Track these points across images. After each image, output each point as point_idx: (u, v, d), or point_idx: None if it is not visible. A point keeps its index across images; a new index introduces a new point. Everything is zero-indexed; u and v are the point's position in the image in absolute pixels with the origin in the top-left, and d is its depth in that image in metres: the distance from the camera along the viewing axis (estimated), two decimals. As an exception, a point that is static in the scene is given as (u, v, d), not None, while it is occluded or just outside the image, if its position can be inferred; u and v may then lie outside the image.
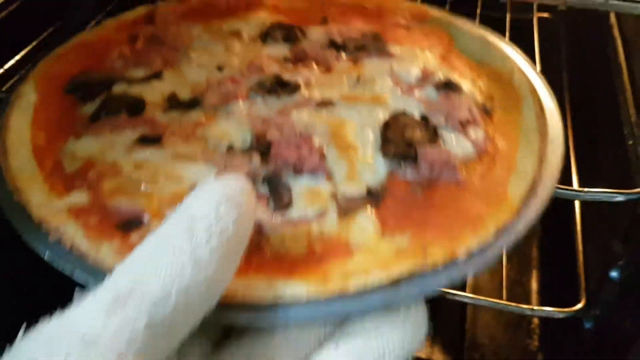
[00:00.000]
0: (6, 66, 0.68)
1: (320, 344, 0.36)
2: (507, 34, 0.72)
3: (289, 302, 0.36)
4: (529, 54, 0.58)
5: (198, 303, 0.30)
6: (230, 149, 0.46)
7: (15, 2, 0.70)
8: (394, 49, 0.58)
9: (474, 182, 0.44)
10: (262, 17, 0.62)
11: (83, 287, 0.32)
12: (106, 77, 0.51)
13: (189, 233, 0.30)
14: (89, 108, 0.49)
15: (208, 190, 0.33)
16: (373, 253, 0.39)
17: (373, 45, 0.58)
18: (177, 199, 0.40)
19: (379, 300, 0.36)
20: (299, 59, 0.57)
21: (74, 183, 0.42)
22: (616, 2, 0.63)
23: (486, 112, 0.51)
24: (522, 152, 0.47)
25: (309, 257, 0.39)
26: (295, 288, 0.36)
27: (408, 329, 0.36)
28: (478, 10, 0.78)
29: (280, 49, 0.58)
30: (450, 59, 0.57)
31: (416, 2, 0.66)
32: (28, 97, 0.49)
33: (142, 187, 0.42)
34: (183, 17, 0.61)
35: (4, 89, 0.61)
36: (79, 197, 0.41)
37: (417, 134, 0.47)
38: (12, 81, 0.64)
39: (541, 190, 0.43)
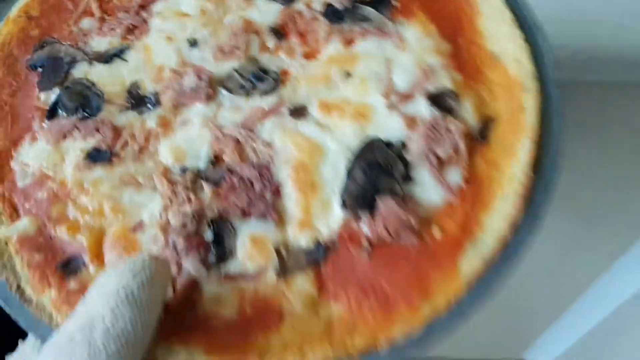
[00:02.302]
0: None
1: None
2: None
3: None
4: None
5: None
6: (183, 172, 0.44)
7: None
8: (402, 27, 0.49)
9: (428, 247, 0.42)
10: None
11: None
12: (68, 53, 0.47)
13: (87, 342, 0.32)
14: (47, 97, 0.46)
15: (106, 286, 0.34)
16: (302, 324, 0.40)
17: (377, 19, 0.49)
18: (119, 240, 0.41)
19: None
20: (285, 31, 0.49)
21: (24, 203, 0.43)
22: None
23: (479, 139, 0.46)
24: (493, 213, 0.43)
25: (238, 324, 0.40)
26: (212, 364, 0.38)
27: None
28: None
29: (268, 13, 0.50)
30: (463, 51, 0.49)
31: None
32: (-13, 77, 0.46)
33: (86, 220, 0.42)
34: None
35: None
36: (27, 225, 0.42)
37: (385, 180, 0.43)
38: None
39: (493, 278, 0.41)
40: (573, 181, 0.62)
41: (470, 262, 0.41)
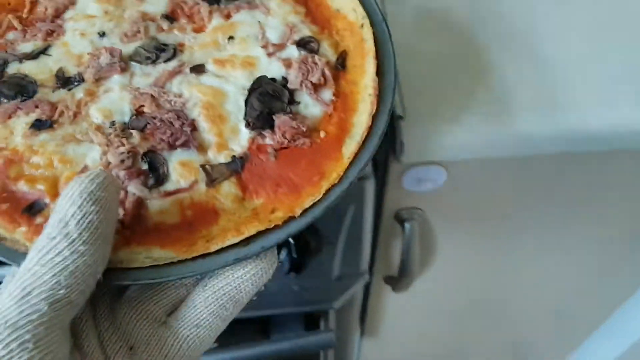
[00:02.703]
0: None
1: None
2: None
3: (163, 263, 0.48)
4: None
5: (84, 280, 0.42)
6: (112, 125, 0.54)
7: None
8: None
9: (318, 145, 0.55)
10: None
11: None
12: (1, 56, 0.57)
13: (65, 235, 0.41)
14: (-14, 91, 0.55)
15: (73, 193, 0.42)
16: (234, 215, 0.51)
17: (246, -4, 0.64)
18: (69, 181, 0.50)
19: (233, 256, 0.49)
20: (176, 16, 0.62)
21: (-16, 170, 0.51)
22: None
23: (339, 68, 0.60)
24: (358, 113, 0.57)
25: (182, 224, 0.50)
26: (168, 254, 0.48)
27: (259, 268, 0.49)
28: None
29: (159, 5, 0.63)
30: (314, 11, 0.64)
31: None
32: None
33: (40, 172, 0.51)
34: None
35: None
36: (-10, 185, 0.50)
37: (277, 104, 0.56)
38: None
39: (365, 154, 0.54)
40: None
41: (349, 148, 0.55)
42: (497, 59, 0.81)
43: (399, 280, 0.96)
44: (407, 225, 0.88)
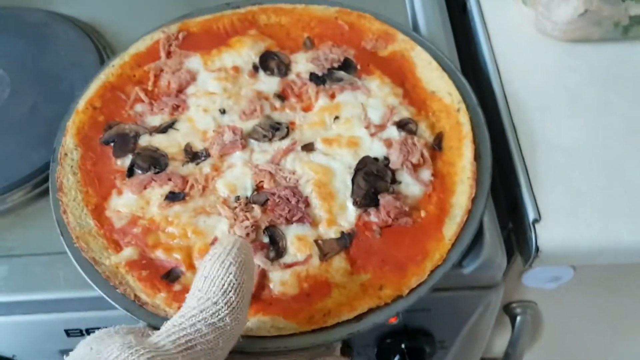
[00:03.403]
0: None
1: None
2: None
3: (286, 334, 0.53)
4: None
5: (231, 343, 0.47)
6: (237, 199, 0.60)
7: None
8: (366, 81, 0.70)
9: (419, 224, 0.60)
10: (252, 40, 0.72)
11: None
12: (132, 129, 0.63)
13: (227, 302, 0.46)
14: (123, 162, 0.62)
15: (225, 259, 0.47)
16: (345, 289, 0.56)
17: (348, 78, 0.70)
18: (203, 252, 0.56)
19: (347, 331, 0.54)
20: (286, 95, 0.68)
21: (124, 238, 0.57)
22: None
23: (435, 149, 0.65)
24: (457, 194, 0.62)
25: (300, 296, 0.56)
26: (291, 325, 0.53)
27: None
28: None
29: (271, 84, 0.69)
30: (410, 92, 0.70)
31: (385, 24, 0.75)
32: (72, 155, 0.61)
33: (176, 242, 0.57)
34: (183, 46, 0.71)
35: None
36: (131, 253, 0.56)
37: (381, 183, 0.62)
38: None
39: (466, 236, 0.59)
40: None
41: (449, 229, 0.60)
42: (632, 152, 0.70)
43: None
44: (519, 319, 0.81)
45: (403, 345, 0.70)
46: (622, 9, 0.74)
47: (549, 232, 0.64)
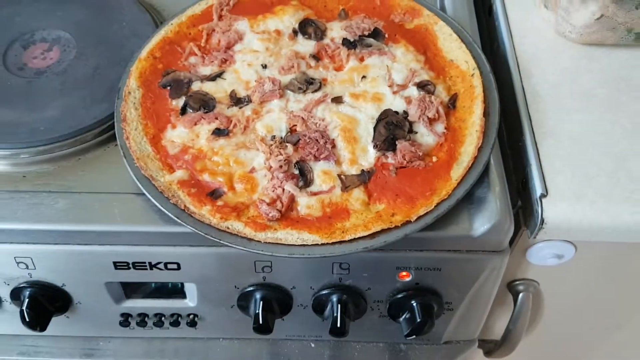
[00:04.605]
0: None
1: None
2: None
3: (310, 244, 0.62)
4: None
5: None
6: (273, 138, 0.70)
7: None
8: (392, 48, 0.79)
9: (430, 168, 0.68)
10: (293, 9, 0.82)
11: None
12: (186, 76, 0.74)
13: None
14: (177, 103, 0.72)
15: None
16: (362, 215, 0.65)
17: (376, 45, 0.79)
18: (242, 178, 0.65)
19: (362, 245, 0.62)
20: (320, 56, 0.78)
21: (176, 163, 0.67)
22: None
23: (450, 107, 0.74)
24: (465, 145, 0.70)
25: (323, 218, 0.64)
26: (315, 237, 0.62)
27: None
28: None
29: (308, 46, 0.79)
30: (431, 60, 0.78)
31: (413, 1, 0.84)
32: (134, 94, 0.72)
33: (220, 168, 0.67)
34: (234, 11, 0.82)
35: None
36: (182, 174, 0.66)
37: (399, 132, 0.70)
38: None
39: (470, 178, 0.67)
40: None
41: (456, 172, 0.68)
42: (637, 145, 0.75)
43: (499, 346, 0.91)
44: (521, 295, 0.85)
45: (413, 302, 0.74)
46: (636, 17, 0.78)
47: (555, 207, 0.69)
